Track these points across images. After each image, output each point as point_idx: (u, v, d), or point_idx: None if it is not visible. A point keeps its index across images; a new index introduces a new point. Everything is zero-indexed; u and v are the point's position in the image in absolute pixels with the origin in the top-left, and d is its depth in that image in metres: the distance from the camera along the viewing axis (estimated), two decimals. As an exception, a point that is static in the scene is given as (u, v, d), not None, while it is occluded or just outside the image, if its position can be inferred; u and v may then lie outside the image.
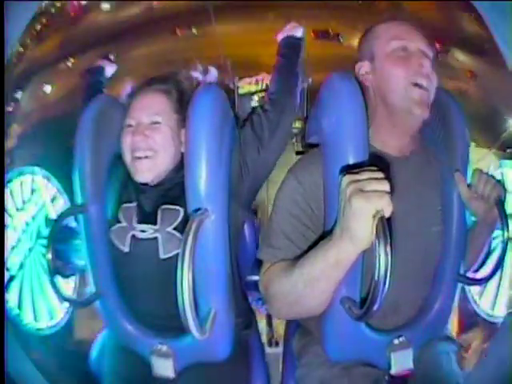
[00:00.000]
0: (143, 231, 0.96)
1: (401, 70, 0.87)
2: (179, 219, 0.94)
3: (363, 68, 0.94)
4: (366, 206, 0.64)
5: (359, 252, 0.68)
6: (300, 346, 1.05)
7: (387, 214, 0.65)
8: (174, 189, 0.98)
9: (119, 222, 0.99)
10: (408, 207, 0.90)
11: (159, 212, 0.96)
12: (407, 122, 0.90)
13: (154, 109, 0.97)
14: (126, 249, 0.97)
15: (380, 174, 0.67)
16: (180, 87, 1.02)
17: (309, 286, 0.76)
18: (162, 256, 0.94)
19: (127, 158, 0.98)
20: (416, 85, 0.87)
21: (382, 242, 0.63)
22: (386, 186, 0.66)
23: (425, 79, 0.87)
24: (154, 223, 0.96)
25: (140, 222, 0.97)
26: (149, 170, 0.96)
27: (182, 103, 0.99)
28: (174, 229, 0.94)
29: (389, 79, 0.89)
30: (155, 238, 0.95)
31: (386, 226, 0.64)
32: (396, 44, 0.89)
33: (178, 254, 0.89)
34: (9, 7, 1.01)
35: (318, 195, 0.87)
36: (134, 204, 0.99)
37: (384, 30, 0.93)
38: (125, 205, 1.00)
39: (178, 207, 0.95)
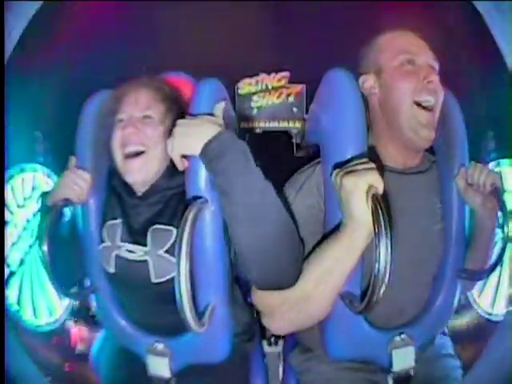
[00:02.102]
0: (131, 252, 0.92)
1: (408, 85, 0.87)
2: (171, 241, 0.89)
3: (368, 82, 0.92)
4: (356, 182, 0.68)
5: (369, 233, 0.70)
6: (301, 363, 1.03)
7: (380, 188, 0.68)
8: (164, 205, 0.94)
9: (103, 241, 0.95)
10: (409, 208, 0.90)
11: (149, 232, 0.92)
12: (413, 143, 0.89)
13: (146, 103, 0.95)
14: (112, 269, 0.93)
15: (364, 158, 0.72)
16: (171, 87, 1.01)
17: (321, 282, 0.76)
18: (154, 280, 0.90)
19: (117, 155, 0.94)
20: (423, 107, 0.87)
21: (382, 226, 0.64)
22: (371, 164, 0.70)
23: (432, 95, 0.87)
24: (143, 243, 0.91)
25: (126, 240, 0.93)
26: (140, 169, 0.92)
27: (174, 103, 0.97)
28: (166, 251, 0.90)
29: (396, 94, 0.88)
30: (145, 261, 0.90)
31: (384, 208, 0.65)
32: (403, 57, 0.88)
33: (170, 279, 0.87)
34: (9, 7, 1.01)
35: (319, 197, 0.87)
36: (118, 221, 0.95)
37: (390, 43, 0.92)
38: (109, 222, 0.96)
39: (170, 227, 0.91)
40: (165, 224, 0.92)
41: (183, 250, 0.69)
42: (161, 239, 0.91)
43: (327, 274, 0.75)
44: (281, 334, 0.91)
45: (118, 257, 0.93)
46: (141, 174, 0.93)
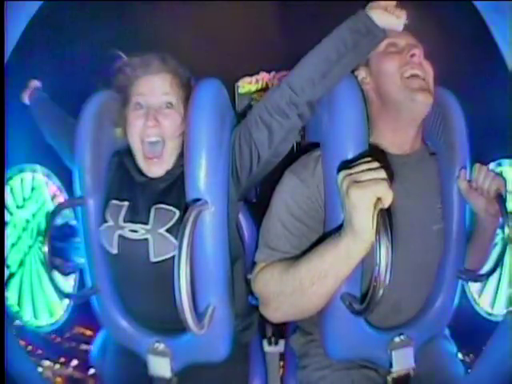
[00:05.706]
0: (134, 231, 0.92)
1: (394, 63, 0.89)
2: (173, 221, 0.90)
3: (360, 75, 0.94)
4: (364, 195, 0.64)
5: (368, 246, 0.68)
6: (301, 346, 1.04)
7: (387, 202, 0.65)
8: (171, 183, 0.95)
9: (106, 221, 0.95)
10: (409, 206, 0.90)
11: (152, 211, 0.92)
12: (412, 113, 0.89)
13: (163, 89, 0.96)
14: (114, 250, 0.93)
15: (375, 164, 0.68)
16: (178, 64, 1.02)
17: (316, 282, 0.76)
18: (153, 259, 0.90)
19: (135, 142, 0.95)
20: (412, 76, 0.88)
21: (383, 235, 0.63)
22: (381, 174, 0.66)
23: (418, 69, 0.88)
24: (146, 223, 0.92)
25: (129, 221, 0.93)
26: (160, 165, 0.95)
27: (185, 80, 0.99)
28: (167, 231, 0.90)
29: (385, 75, 0.90)
30: (146, 239, 0.91)
31: (387, 219, 0.64)
32: (386, 41, 0.91)
33: (169, 258, 0.87)
34: (9, 7, 1.01)
35: (321, 194, 0.87)
36: (124, 202, 0.96)
37: None
38: (113, 201, 0.96)
39: (173, 208, 0.91)
40: (169, 204, 0.92)
41: (183, 254, 0.69)
42: (163, 218, 0.91)
43: (322, 277, 0.75)
44: (275, 322, 0.93)
45: (121, 237, 0.93)
46: (161, 169, 0.96)
